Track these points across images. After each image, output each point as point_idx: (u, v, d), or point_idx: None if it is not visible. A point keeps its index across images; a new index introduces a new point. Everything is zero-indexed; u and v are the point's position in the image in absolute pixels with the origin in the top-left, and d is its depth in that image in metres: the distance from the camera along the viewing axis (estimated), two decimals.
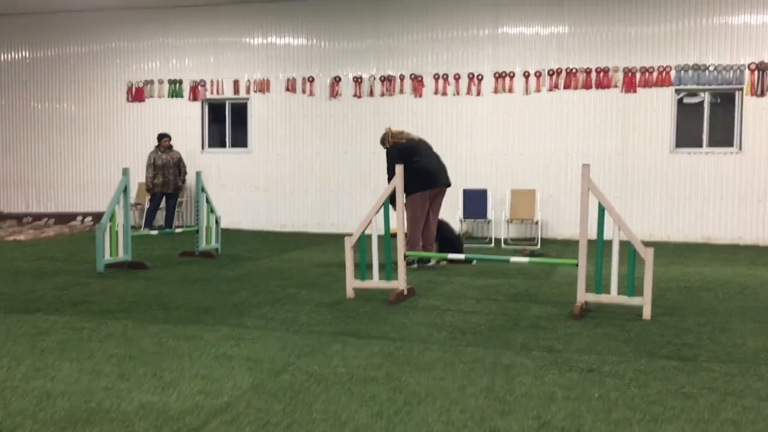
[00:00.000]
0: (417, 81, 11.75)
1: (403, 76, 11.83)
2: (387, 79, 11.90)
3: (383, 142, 7.87)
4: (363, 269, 5.84)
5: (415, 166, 7.49)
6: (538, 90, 11.31)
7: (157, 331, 4.55)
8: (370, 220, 5.72)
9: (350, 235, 5.85)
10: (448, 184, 7.86)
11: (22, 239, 10.45)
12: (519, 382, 3.50)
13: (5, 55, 13.73)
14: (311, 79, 12.23)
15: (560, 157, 11.25)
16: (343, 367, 3.74)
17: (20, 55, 13.66)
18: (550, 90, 11.26)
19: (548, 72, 11.25)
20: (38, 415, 2.97)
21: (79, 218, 12.97)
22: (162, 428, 2.84)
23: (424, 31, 11.74)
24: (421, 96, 11.75)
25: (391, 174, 7.40)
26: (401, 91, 11.86)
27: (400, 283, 5.74)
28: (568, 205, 11.16)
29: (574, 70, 11.15)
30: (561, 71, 11.19)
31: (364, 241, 5.76)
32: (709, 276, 7.33)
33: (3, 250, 9.19)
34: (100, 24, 13.17)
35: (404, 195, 7.27)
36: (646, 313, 5.05)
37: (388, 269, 5.79)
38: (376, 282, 5.84)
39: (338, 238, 10.90)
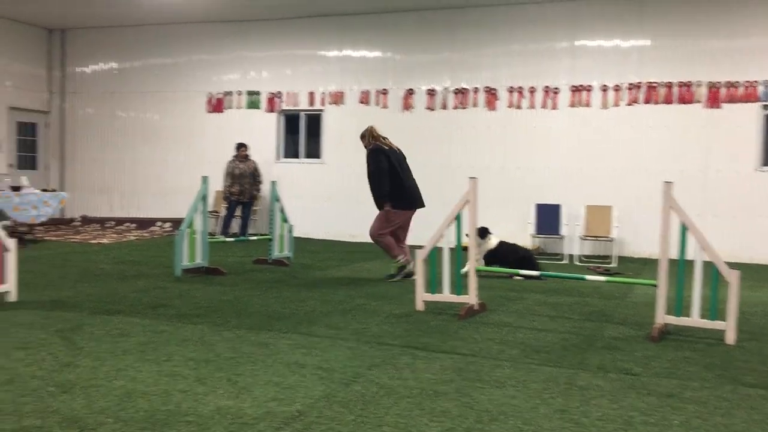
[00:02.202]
0: (491, 94, 11.66)
1: (477, 89, 11.77)
2: (461, 92, 11.86)
3: (363, 137, 7.93)
4: (433, 282, 5.82)
5: (406, 184, 7.59)
6: (616, 104, 11.03)
7: (232, 336, 4.65)
8: (442, 234, 5.70)
9: (421, 247, 5.84)
10: (423, 206, 7.83)
11: (105, 243, 10.90)
12: (595, 404, 3.40)
13: (95, 67, 14.41)
14: (385, 92, 12.32)
15: (638, 173, 10.93)
16: (413, 380, 3.73)
17: (109, 66, 14.31)
18: (629, 104, 10.97)
19: (627, 86, 10.96)
20: (120, 414, 3.08)
21: (158, 224, 13.44)
22: None
23: (499, 44, 11.65)
24: (495, 109, 11.65)
25: (378, 179, 7.55)
26: (475, 104, 11.79)
27: (471, 297, 5.68)
28: (646, 222, 10.80)
29: (654, 85, 10.83)
30: (641, 85, 10.89)
31: (435, 254, 5.74)
32: None
33: (88, 252, 9.61)
34: (183, 37, 13.66)
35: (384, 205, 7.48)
36: (730, 338, 4.83)
37: (459, 283, 5.75)
38: (446, 296, 5.80)
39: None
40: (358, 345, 4.52)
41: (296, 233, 12.55)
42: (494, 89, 11.65)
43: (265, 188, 12.64)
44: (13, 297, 5.71)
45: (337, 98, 12.63)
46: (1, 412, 3.04)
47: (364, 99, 12.45)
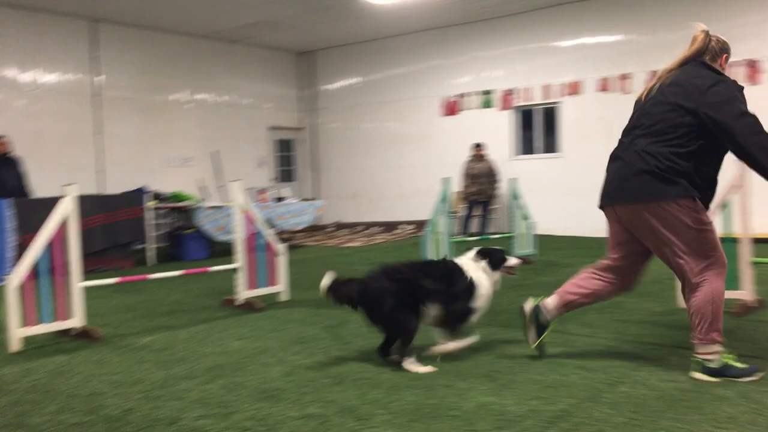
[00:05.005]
0: (751, 67, 10.43)
1: (737, 63, 10.60)
2: None
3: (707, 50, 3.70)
4: None
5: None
6: None
7: (485, 333, 4.66)
8: None
9: None
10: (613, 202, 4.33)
11: (356, 245, 11.64)
12: None
13: (341, 83, 15.47)
14: (625, 77, 11.62)
15: None
16: (688, 383, 3.42)
17: (353, 81, 15.28)
18: None
19: None
20: (389, 406, 3.22)
21: (402, 226, 14.03)
22: (503, 430, 2.88)
23: (763, 10, 10.38)
24: (758, 83, 10.39)
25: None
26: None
27: (746, 293, 5.09)
28: None
29: None
30: None
31: None
32: None
33: (342, 255, 10.33)
34: (417, 45, 14.12)
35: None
36: None
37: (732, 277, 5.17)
38: None
39: None
40: (619, 344, 4.28)
41: (537, 230, 12.36)
42: (756, 61, 10.41)
43: (502, 186, 12.61)
44: (284, 297, 6.30)
45: (574, 88, 12.18)
46: (287, 401, 3.34)
47: (603, 86, 11.85)
